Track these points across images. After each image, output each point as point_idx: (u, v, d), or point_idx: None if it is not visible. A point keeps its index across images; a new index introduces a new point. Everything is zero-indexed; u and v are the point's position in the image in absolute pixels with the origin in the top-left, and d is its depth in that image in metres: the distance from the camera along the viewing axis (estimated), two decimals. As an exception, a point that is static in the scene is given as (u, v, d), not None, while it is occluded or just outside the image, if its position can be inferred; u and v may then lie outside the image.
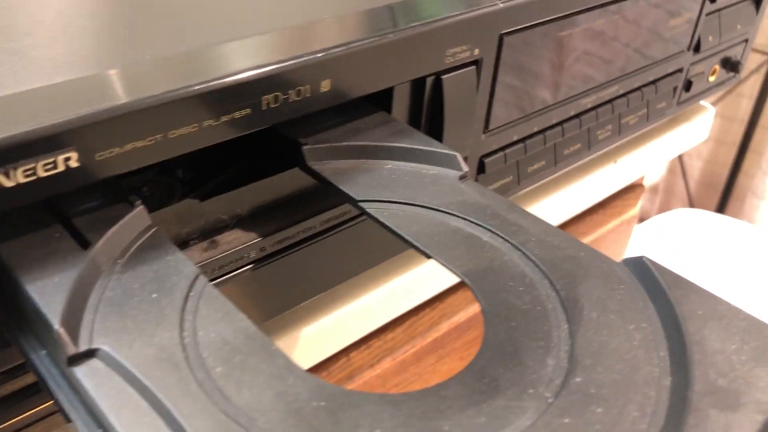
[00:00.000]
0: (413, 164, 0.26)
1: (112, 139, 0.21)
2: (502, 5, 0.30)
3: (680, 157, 1.56)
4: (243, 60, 0.24)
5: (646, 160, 0.49)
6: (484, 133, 0.34)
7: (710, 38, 0.45)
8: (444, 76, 0.30)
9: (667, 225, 1.29)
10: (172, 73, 0.22)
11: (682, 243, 1.22)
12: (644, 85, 0.42)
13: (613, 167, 0.47)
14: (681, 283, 0.21)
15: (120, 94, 0.21)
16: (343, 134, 0.27)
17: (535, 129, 0.37)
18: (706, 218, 1.28)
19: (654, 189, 1.64)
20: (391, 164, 0.27)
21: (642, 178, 0.60)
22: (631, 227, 0.58)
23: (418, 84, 0.30)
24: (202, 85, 0.22)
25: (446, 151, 0.27)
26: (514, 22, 0.31)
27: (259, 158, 0.28)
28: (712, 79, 0.49)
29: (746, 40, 0.50)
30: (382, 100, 0.29)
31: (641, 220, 1.61)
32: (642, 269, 0.22)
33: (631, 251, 1.22)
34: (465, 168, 0.27)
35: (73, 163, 0.20)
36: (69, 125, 0.20)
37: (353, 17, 0.27)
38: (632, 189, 0.57)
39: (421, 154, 0.27)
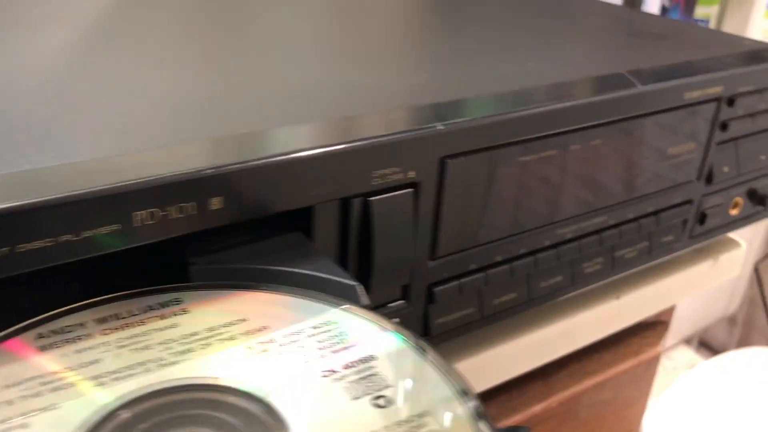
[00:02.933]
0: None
1: (-58, 251, 0.20)
2: (441, 127, 0.28)
3: (760, 287, 1.45)
4: (115, 173, 0.22)
5: (656, 299, 0.44)
6: (431, 260, 0.31)
7: (725, 169, 0.41)
8: (372, 198, 0.28)
9: (739, 363, 1.18)
10: (28, 183, 0.21)
11: (751, 385, 1.11)
12: (642, 216, 0.39)
13: (616, 303, 0.42)
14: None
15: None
16: (242, 255, 0.25)
17: (499, 258, 0.33)
18: (784, 358, 1.16)
19: (732, 320, 1.52)
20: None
21: (670, 313, 0.55)
22: (652, 369, 0.52)
23: (344, 204, 0.28)
24: (56, 198, 0.21)
25: (346, 281, 0.24)
26: (458, 146, 0.29)
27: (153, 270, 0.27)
28: (734, 212, 0.44)
29: (776, 172, 0.45)
30: (303, 220, 0.27)
31: (717, 352, 1.49)
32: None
33: (691, 388, 1.12)
34: (365, 300, 0.24)
35: None
36: None
37: (262, 133, 0.26)
38: (652, 327, 0.51)
39: (321, 282, 0.24)
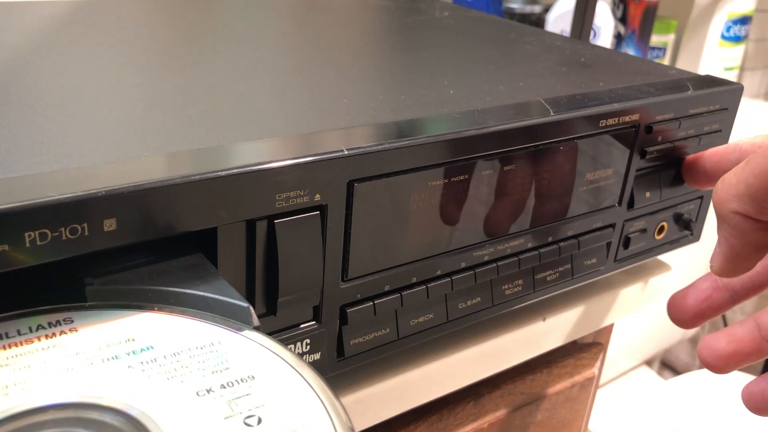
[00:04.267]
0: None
1: None
2: (346, 152, 0.29)
3: (721, 311, 1.46)
4: (7, 193, 0.23)
5: (584, 321, 0.45)
6: (343, 281, 0.32)
7: (647, 194, 0.42)
8: (277, 221, 0.28)
9: (700, 384, 1.19)
10: None
11: (711, 406, 1.12)
12: (562, 240, 0.39)
13: (543, 325, 0.43)
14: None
15: None
16: (140, 276, 0.26)
17: (414, 280, 0.34)
18: (739, 380, 1.17)
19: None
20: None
21: (608, 335, 0.55)
22: (588, 391, 0.53)
23: (250, 226, 0.28)
24: (-59, 219, 0.21)
25: (239, 303, 0.25)
26: (365, 170, 0.30)
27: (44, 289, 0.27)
28: (660, 237, 0.45)
29: (701, 197, 0.46)
30: (207, 240, 0.28)
31: (679, 373, 1.50)
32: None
33: (651, 408, 1.13)
34: (255, 322, 0.24)
35: None
36: None
37: (165, 157, 0.26)
38: (588, 348, 0.52)
39: (213, 304, 0.25)
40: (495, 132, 0.33)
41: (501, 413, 0.47)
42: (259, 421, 0.20)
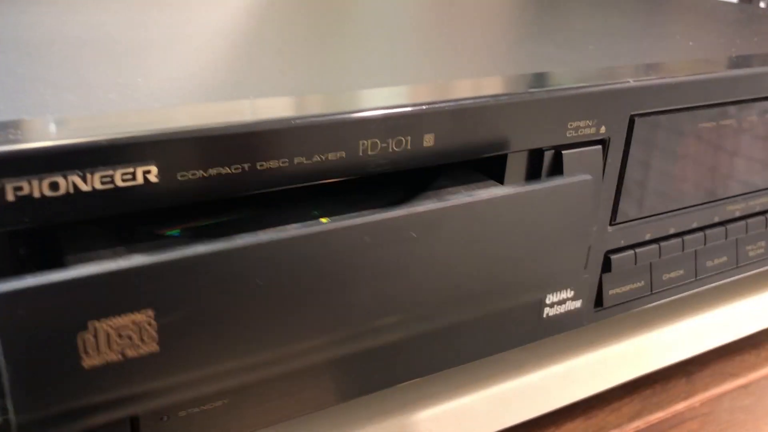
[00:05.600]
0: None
1: (196, 161, 0.20)
2: (633, 83, 0.28)
3: None
4: (346, 103, 0.23)
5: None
6: (611, 224, 0.30)
7: None
8: (564, 151, 0.27)
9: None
10: (270, 106, 0.22)
11: None
12: (806, 201, 0.37)
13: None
14: None
15: (212, 119, 0.21)
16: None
17: (672, 231, 0.33)
18: None
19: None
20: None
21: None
22: (792, 378, 0.50)
23: (535, 155, 0.27)
24: (297, 120, 0.21)
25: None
26: (648, 105, 0.29)
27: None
28: None
29: None
30: (495, 168, 0.27)
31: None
32: None
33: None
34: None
35: (153, 178, 0.20)
36: (151, 138, 0.19)
37: (474, 79, 0.26)
38: (791, 333, 0.49)
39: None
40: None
41: (711, 393, 0.45)
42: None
